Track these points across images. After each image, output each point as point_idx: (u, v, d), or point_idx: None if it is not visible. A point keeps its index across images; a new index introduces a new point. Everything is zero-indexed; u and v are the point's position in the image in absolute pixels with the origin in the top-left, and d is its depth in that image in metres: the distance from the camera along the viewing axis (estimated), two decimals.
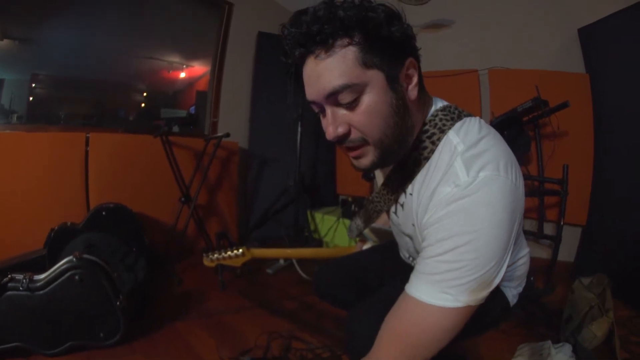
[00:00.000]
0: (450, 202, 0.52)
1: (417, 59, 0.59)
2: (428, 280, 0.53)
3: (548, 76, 2.17)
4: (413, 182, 0.63)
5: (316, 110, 0.61)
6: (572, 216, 2.02)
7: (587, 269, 1.58)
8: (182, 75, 2.69)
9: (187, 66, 2.70)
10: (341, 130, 0.57)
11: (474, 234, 0.50)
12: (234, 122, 2.77)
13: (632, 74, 1.86)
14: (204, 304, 1.63)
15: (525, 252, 0.75)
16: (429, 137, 0.60)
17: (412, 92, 0.58)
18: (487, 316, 0.72)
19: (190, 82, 2.75)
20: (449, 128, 0.59)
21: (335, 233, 2.41)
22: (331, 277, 1.00)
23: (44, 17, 1.92)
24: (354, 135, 0.57)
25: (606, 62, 2.04)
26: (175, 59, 2.63)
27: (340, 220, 2.41)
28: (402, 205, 0.70)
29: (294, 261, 2.07)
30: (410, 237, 0.71)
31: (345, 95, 0.54)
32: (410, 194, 0.65)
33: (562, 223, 1.79)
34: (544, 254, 2.23)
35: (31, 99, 1.95)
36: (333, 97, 0.55)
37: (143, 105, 2.50)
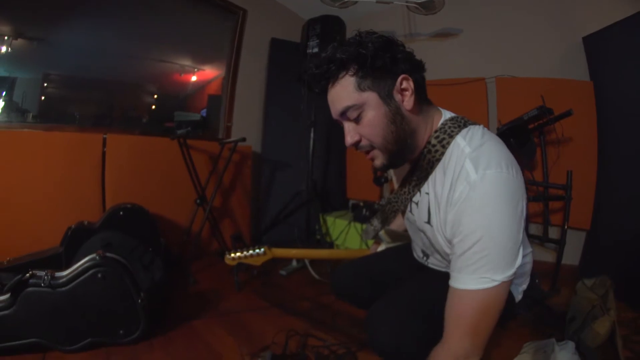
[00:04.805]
0: (465, 200, 0.64)
1: (412, 72, 0.71)
2: (467, 272, 0.64)
3: (553, 84, 2.20)
4: (428, 181, 0.76)
5: (341, 125, 0.77)
6: (577, 220, 2.06)
7: (591, 272, 1.61)
8: (194, 78, 2.73)
9: (198, 69, 2.73)
10: (353, 139, 0.74)
11: (489, 226, 0.62)
12: (247, 126, 2.80)
13: (635, 81, 1.88)
14: (220, 303, 1.65)
15: (528, 250, 0.85)
16: (440, 142, 0.73)
17: (408, 102, 0.71)
18: None
19: (201, 86, 2.78)
20: (457, 134, 0.71)
21: (347, 236, 2.44)
22: (349, 276, 1.08)
23: (57, 17, 1.95)
24: (364, 142, 0.74)
25: (610, 70, 2.07)
26: (187, 62, 2.66)
27: (352, 224, 2.44)
28: (416, 204, 0.81)
29: (307, 263, 2.10)
30: (424, 232, 0.81)
31: (351, 113, 0.72)
32: (427, 193, 0.77)
33: (566, 227, 1.83)
34: (549, 257, 2.27)
35: (43, 98, 1.98)
36: (344, 115, 0.73)
37: (154, 107, 2.54)
